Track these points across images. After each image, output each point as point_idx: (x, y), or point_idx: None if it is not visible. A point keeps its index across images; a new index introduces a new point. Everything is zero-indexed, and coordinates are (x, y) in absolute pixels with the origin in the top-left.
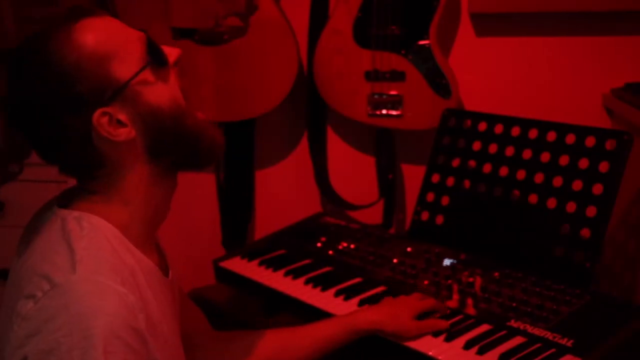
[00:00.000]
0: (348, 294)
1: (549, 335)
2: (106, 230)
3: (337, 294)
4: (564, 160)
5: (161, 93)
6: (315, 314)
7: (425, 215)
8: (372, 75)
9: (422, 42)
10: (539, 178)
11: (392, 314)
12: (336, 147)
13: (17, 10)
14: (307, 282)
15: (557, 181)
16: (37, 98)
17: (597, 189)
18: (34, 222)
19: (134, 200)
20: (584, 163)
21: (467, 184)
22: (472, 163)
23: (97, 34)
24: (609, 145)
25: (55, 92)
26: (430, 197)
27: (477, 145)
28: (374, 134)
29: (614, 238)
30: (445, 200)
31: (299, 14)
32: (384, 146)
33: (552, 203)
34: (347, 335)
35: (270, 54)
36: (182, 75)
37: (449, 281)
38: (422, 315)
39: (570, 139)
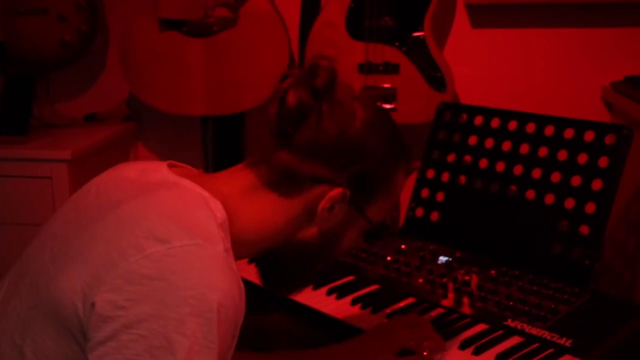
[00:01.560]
0: (340, 292)
1: (547, 335)
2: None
3: (329, 293)
4: (562, 155)
5: (351, 240)
6: (307, 313)
7: (419, 212)
8: (365, 68)
9: (416, 34)
10: (536, 173)
11: (372, 349)
12: None
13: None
14: None
15: (555, 177)
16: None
17: (597, 184)
18: (132, 173)
19: (248, 231)
20: (582, 158)
21: (462, 179)
22: (467, 158)
23: (402, 185)
24: (609, 139)
25: (351, 146)
26: (424, 193)
27: (473, 140)
28: None
29: (614, 235)
30: (440, 196)
31: (290, 5)
32: None
33: (550, 199)
34: None
35: (261, 46)
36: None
37: (444, 279)
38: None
39: (568, 133)
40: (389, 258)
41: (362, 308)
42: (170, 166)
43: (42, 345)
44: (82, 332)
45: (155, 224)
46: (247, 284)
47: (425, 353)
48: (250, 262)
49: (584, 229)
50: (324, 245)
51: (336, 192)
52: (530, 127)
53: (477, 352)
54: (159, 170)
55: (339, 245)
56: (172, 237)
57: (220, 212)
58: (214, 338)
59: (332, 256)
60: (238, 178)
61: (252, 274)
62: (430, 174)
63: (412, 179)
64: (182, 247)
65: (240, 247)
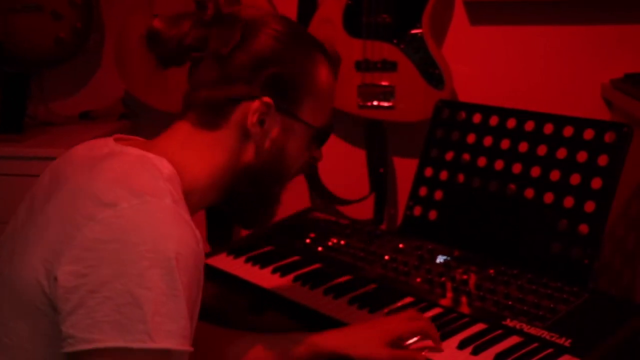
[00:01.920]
0: (338, 292)
1: (546, 334)
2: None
3: (326, 292)
4: (561, 153)
5: (298, 151)
6: (304, 313)
7: (417, 211)
8: (363, 65)
9: (414, 31)
10: (535, 172)
11: (363, 337)
12: None
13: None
14: (295, 280)
15: (555, 175)
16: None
17: (596, 183)
18: (83, 151)
19: (198, 177)
20: (582, 156)
21: (461, 178)
22: (466, 156)
23: (329, 79)
24: (608, 137)
25: (269, 54)
26: (422, 191)
27: (471, 138)
28: (364, 126)
29: (614, 234)
30: (438, 195)
31: (287, 2)
32: (375, 139)
33: (549, 198)
34: (309, 355)
35: None
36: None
37: (443, 279)
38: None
39: (568, 131)
40: (386, 257)
41: (360, 308)
42: (117, 140)
43: (16, 328)
44: (53, 307)
45: (101, 190)
46: (244, 283)
47: (417, 338)
48: (216, 208)
49: (583, 228)
50: (273, 163)
51: (256, 103)
52: (529, 125)
53: (475, 352)
54: (105, 145)
55: (288, 158)
56: (119, 199)
57: (166, 168)
58: (178, 285)
59: (286, 172)
60: (174, 132)
61: (248, 273)
62: (429, 172)
63: (411, 177)
64: (130, 207)
65: (201, 196)
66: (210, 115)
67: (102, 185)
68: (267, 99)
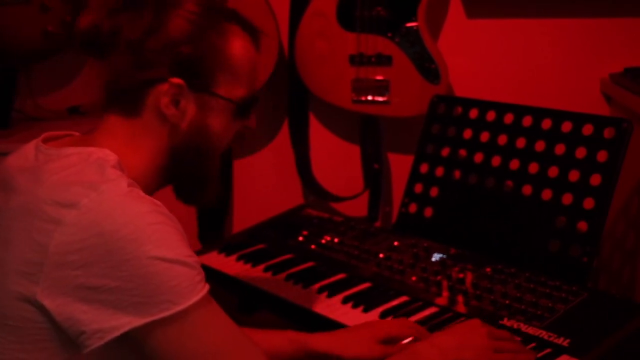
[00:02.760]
0: (331, 290)
1: (543, 334)
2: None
3: (319, 291)
4: (559, 149)
5: (221, 125)
6: (297, 312)
7: (413, 208)
8: (357, 60)
9: (409, 24)
10: (533, 168)
11: (355, 338)
12: (319, 135)
13: None
14: (287, 279)
15: (553, 171)
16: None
17: (595, 179)
18: (18, 161)
19: (129, 171)
20: (581, 152)
21: (457, 174)
22: (462, 152)
23: (244, 51)
24: (608, 133)
25: (174, 38)
26: (418, 188)
27: (467, 134)
28: (358, 121)
29: (613, 232)
30: (434, 192)
31: None
32: (370, 134)
33: (547, 194)
34: (296, 352)
35: None
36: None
37: (438, 277)
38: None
39: (566, 126)
40: (381, 255)
41: (354, 307)
42: (46, 140)
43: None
44: (51, 320)
45: (56, 193)
46: (235, 282)
47: (410, 339)
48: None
49: (582, 225)
50: (197, 141)
51: (166, 85)
52: (527, 121)
53: None
54: (38, 150)
55: (212, 134)
56: (78, 197)
57: (111, 156)
58: (171, 246)
59: (214, 148)
60: (104, 125)
61: (239, 271)
62: (424, 168)
63: (406, 174)
64: (92, 200)
65: (144, 184)
66: (130, 103)
67: (55, 190)
68: (176, 80)
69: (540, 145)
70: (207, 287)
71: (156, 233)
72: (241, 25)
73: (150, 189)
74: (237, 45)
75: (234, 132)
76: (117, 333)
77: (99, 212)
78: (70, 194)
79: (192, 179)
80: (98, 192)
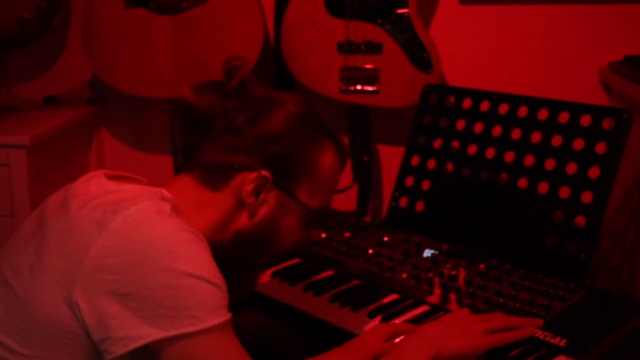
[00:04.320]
0: (318, 288)
1: (539, 334)
2: None
3: (306, 289)
4: (556, 140)
5: (290, 228)
6: (283, 311)
7: (403, 202)
8: (346, 47)
9: (400, 11)
10: (529, 160)
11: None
12: None
13: None
14: (273, 276)
15: (550, 164)
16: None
17: (594, 172)
18: (79, 189)
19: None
20: (578, 144)
21: (450, 167)
22: (455, 144)
23: (332, 167)
24: (606, 124)
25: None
26: (409, 181)
27: (461, 124)
28: (347, 111)
29: (612, 227)
30: (425, 185)
31: None
32: (359, 125)
33: (543, 188)
34: None
35: (234, 23)
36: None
37: (430, 274)
38: None
39: (563, 117)
40: (370, 251)
41: (342, 305)
42: (110, 178)
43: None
44: (84, 327)
45: (105, 206)
46: None
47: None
48: None
49: (580, 220)
50: (263, 233)
51: (254, 175)
52: (523, 111)
53: None
54: (99, 184)
55: (279, 234)
56: (125, 207)
57: (162, 193)
58: (204, 263)
59: (273, 247)
60: (176, 181)
61: None
62: (415, 160)
63: (396, 166)
64: (137, 210)
65: None
66: (212, 177)
67: (103, 204)
68: (265, 173)
69: (536, 137)
70: (230, 314)
71: (190, 250)
72: (335, 142)
73: None
74: (328, 160)
75: (297, 238)
76: (141, 343)
77: (141, 222)
78: (118, 206)
79: (240, 266)
80: (143, 205)
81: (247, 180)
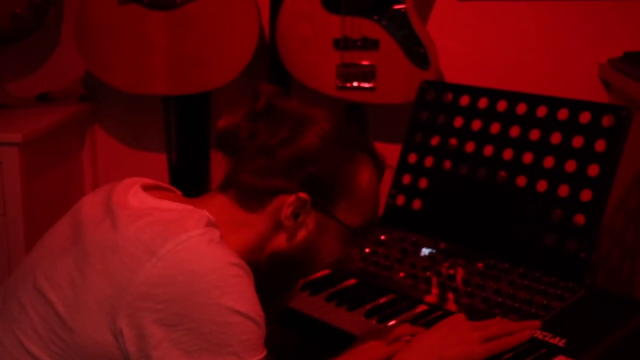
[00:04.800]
0: (314, 287)
1: (538, 333)
2: None
3: (302, 288)
4: (555, 138)
5: (331, 248)
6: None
7: (400, 200)
8: (342, 44)
9: (397, 7)
10: (527, 158)
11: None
12: None
13: None
14: None
15: (548, 162)
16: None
17: (593, 170)
18: (119, 198)
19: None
20: (578, 141)
21: (447, 164)
22: (453, 141)
23: (370, 184)
24: (606, 121)
25: (308, 150)
26: (406, 179)
27: (458, 122)
28: (343, 108)
29: (612, 225)
30: (423, 183)
31: None
32: (355, 122)
33: (542, 186)
34: None
35: (228, 19)
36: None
37: (427, 273)
38: None
39: (562, 114)
40: (367, 250)
41: (338, 305)
42: (147, 189)
43: None
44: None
45: (154, 229)
46: None
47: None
48: None
49: (579, 219)
50: (302, 255)
51: (292, 197)
52: (521, 108)
53: None
54: (136, 196)
55: (319, 253)
56: (175, 234)
57: (208, 217)
58: (248, 300)
59: (312, 267)
60: (212, 199)
61: None
62: (412, 158)
63: (393, 164)
64: (188, 238)
65: None
66: (249, 199)
67: (153, 226)
68: (303, 195)
69: (535, 134)
70: (266, 351)
71: (238, 285)
72: (372, 157)
73: None
74: (365, 176)
75: (337, 257)
76: None
77: (192, 252)
78: (167, 230)
79: (275, 286)
80: (194, 233)
81: (285, 204)
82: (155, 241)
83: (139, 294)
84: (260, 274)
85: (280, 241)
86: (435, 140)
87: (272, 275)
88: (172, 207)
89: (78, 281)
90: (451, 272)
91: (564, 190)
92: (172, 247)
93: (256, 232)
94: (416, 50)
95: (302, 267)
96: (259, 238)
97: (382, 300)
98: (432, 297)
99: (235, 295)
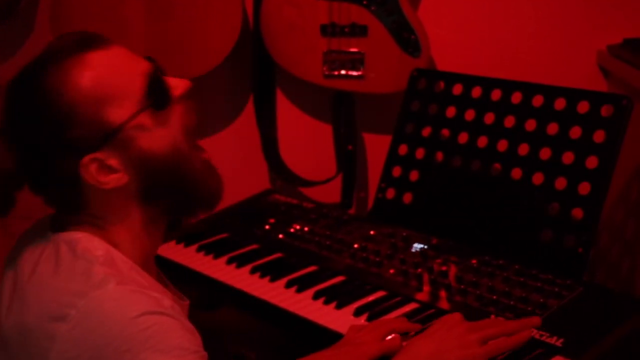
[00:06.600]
0: (301, 284)
1: (535, 333)
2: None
3: (288, 285)
4: (552, 128)
5: (158, 138)
6: (263, 308)
7: (390, 193)
8: (329, 30)
9: None
10: (523, 149)
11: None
12: (287, 113)
13: None
14: (253, 271)
15: (545, 153)
16: (27, 137)
17: (591, 162)
18: (24, 247)
19: (122, 243)
20: (575, 132)
21: (439, 156)
22: (445, 132)
23: (95, 73)
24: (605, 111)
25: (45, 135)
26: (396, 171)
27: (451, 112)
28: (330, 98)
29: (611, 220)
30: (414, 176)
31: None
32: (343, 112)
33: (538, 179)
34: None
35: (211, 5)
36: (191, 109)
37: (419, 270)
38: None
39: (559, 104)
40: (356, 246)
41: (326, 302)
42: (54, 222)
43: None
44: None
45: (47, 306)
46: (195, 275)
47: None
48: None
49: (577, 213)
50: (159, 172)
51: (85, 163)
52: (517, 97)
53: None
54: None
55: (160, 155)
56: (67, 309)
57: (99, 250)
58: (171, 344)
59: (175, 161)
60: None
61: (199, 263)
62: (403, 150)
63: (383, 156)
64: (78, 312)
65: (141, 249)
66: (74, 207)
67: (47, 302)
68: (85, 160)
69: (530, 125)
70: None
71: (150, 339)
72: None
73: (152, 247)
74: (86, 76)
75: (178, 130)
76: None
77: (88, 325)
78: (59, 305)
79: (180, 196)
80: (86, 300)
81: (86, 178)
82: (50, 325)
83: None
84: (162, 210)
85: (129, 191)
86: (426, 131)
87: (171, 197)
88: (66, 239)
89: None
90: (443, 268)
91: (561, 183)
92: (67, 327)
93: (119, 220)
94: (407, 37)
95: (168, 174)
96: (123, 205)
97: (372, 297)
98: (423, 295)
99: (151, 349)
